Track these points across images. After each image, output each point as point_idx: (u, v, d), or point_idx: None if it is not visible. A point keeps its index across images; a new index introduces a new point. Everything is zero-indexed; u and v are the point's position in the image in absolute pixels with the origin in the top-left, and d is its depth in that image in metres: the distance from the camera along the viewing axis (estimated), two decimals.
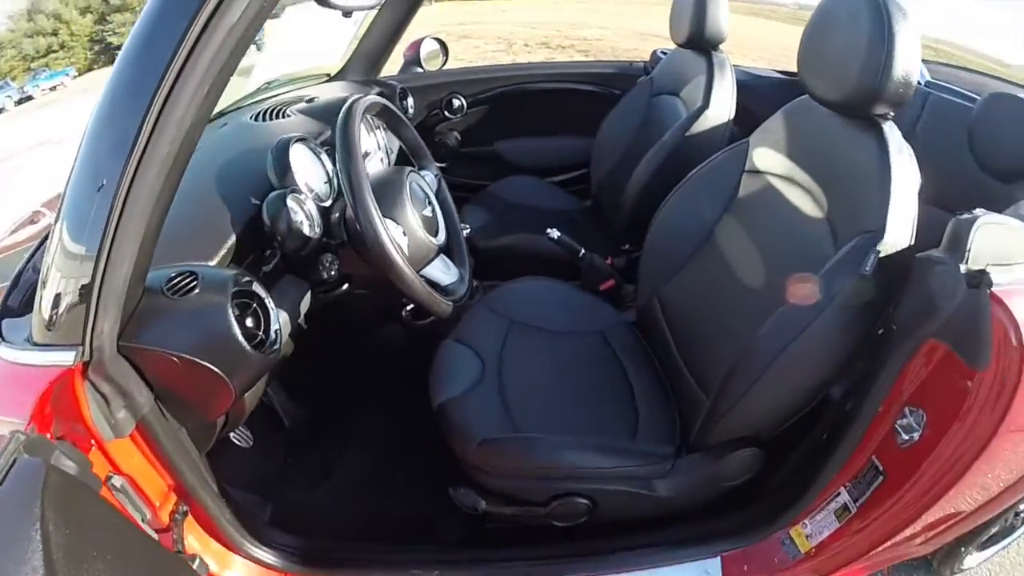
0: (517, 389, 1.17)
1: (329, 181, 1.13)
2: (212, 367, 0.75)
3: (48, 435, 0.65)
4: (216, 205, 0.94)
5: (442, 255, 1.15)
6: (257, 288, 0.84)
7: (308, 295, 1.02)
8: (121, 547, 0.65)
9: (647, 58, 2.18)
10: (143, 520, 0.77)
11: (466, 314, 1.31)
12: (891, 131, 0.90)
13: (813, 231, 0.96)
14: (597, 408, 1.16)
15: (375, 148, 1.45)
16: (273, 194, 0.94)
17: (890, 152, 0.86)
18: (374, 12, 1.78)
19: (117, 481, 0.74)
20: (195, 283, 0.76)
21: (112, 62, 0.68)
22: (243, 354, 0.78)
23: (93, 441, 0.71)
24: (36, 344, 0.71)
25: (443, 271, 1.14)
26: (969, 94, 1.52)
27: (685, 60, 1.70)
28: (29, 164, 8.73)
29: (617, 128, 1.90)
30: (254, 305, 0.83)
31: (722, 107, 1.54)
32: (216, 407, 0.83)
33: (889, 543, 0.97)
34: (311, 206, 0.98)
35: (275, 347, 0.84)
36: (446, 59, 2.17)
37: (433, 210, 1.12)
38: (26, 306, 0.84)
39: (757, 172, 1.14)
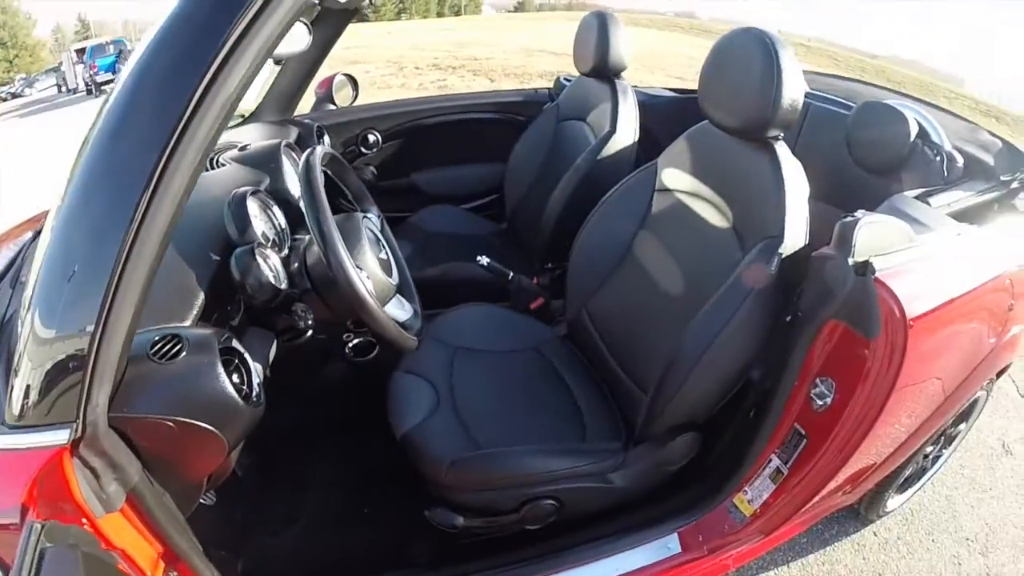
0: (472, 410, 1.25)
1: (281, 231, 1.16)
2: (207, 426, 0.76)
3: (39, 512, 0.63)
4: (179, 264, 0.94)
5: (397, 294, 1.20)
6: (236, 344, 0.86)
7: (274, 345, 1.04)
8: None
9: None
10: None
11: (426, 339, 1.36)
12: (782, 149, 1.06)
13: (722, 239, 1.12)
14: (546, 417, 1.27)
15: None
16: (241, 250, 0.96)
17: (782, 168, 1.03)
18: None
19: (109, 556, 0.71)
20: (181, 346, 0.77)
21: None
22: (236, 409, 0.79)
23: (84, 520, 0.68)
24: (16, 427, 0.67)
25: (400, 308, 1.19)
26: (843, 101, 1.76)
27: (590, 87, 1.84)
28: None
29: (528, 153, 2.03)
30: (236, 361, 0.85)
31: (628, 130, 1.69)
32: (207, 465, 0.83)
33: (819, 496, 1.14)
34: (275, 259, 1.01)
35: (260, 399, 0.86)
36: (356, 94, 2.22)
37: (386, 252, 1.18)
38: None
39: (667, 190, 1.29)
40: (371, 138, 2.12)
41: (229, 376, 0.80)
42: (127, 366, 0.71)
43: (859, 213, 0.97)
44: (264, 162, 1.34)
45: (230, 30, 0.59)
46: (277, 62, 1.57)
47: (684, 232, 1.22)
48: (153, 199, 0.61)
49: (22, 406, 0.67)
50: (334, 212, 1.27)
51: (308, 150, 1.05)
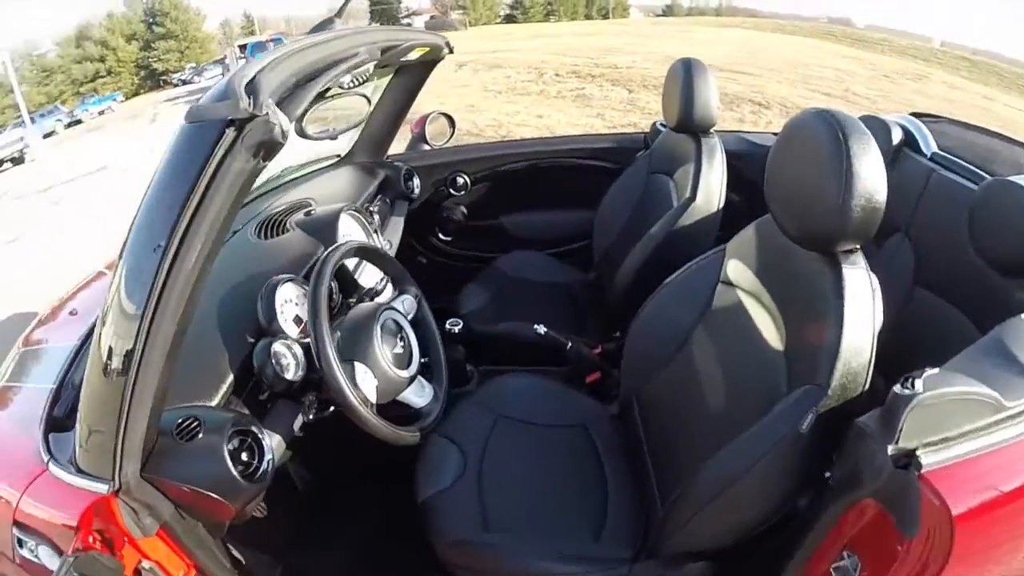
0: (495, 485, 1.22)
1: None
2: (214, 495, 0.88)
3: (91, 538, 0.84)
4: (216, 344, 1.04)
5: (419, 378, 1.21)
6: (252, 426, 0.95)
7: (300, 416, 1.09)
8: None
9: None
10: None
11: (455, 407, 1.36)
12: (854, 273, 0.88)
13: (772, 363, 0.97)
14: (570, 505, 1.21)
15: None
16: (261, 344, 1.04)
17: (845, 299, 0.85)
18: (378, 94, 1.86)
19: (146, 564, 0.89)
20: (198, 427, 0.89)
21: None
22: (237, 487, 0.89)
23: (126, 538, 0.86)
24: (79, 471, 0.87)
25: (417, 394, 1.20)
26: (975, 170, 1.48)
27: (677, 143, 1.72)
28: (70, 196, 9.12)
29: (617, 203, 1.93)
30: (249, 440, 0.94)
31: (710, 198, 1.55)
32: (221, 517, 0.95)
33: None
34: (297, 348, 1.06)
35: (267, 474, 0.96)
36: (452, 132, 2.23)
37: (407, 343, 1.19)
38: (69, 417, 0.99)
39: (731, 284, 1.15)
40: (460, 180, 2.15)
41: (239, 454, 0.91)
42: (158, 437, 0.86)
43: (927, 375, 0.76)
44: (322, 230, 1.39)
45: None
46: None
47: (738, 341, 1.09)
48: (160, 302, 0.72)
49: (78, 458, 0.88)
50: (370, 297, 1.30)
51: (329, 250, 1.11)
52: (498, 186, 2.22)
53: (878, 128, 1.28)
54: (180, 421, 0.89)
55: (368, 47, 1.05)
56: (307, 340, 1.07)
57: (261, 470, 0.94)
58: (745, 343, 1.06)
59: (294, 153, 1.92)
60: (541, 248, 2.20)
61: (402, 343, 1.17)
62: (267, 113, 0.64)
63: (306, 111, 0.90)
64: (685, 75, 1.61)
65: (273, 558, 1.31)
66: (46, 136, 18.25)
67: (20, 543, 0.95)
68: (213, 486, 0.87)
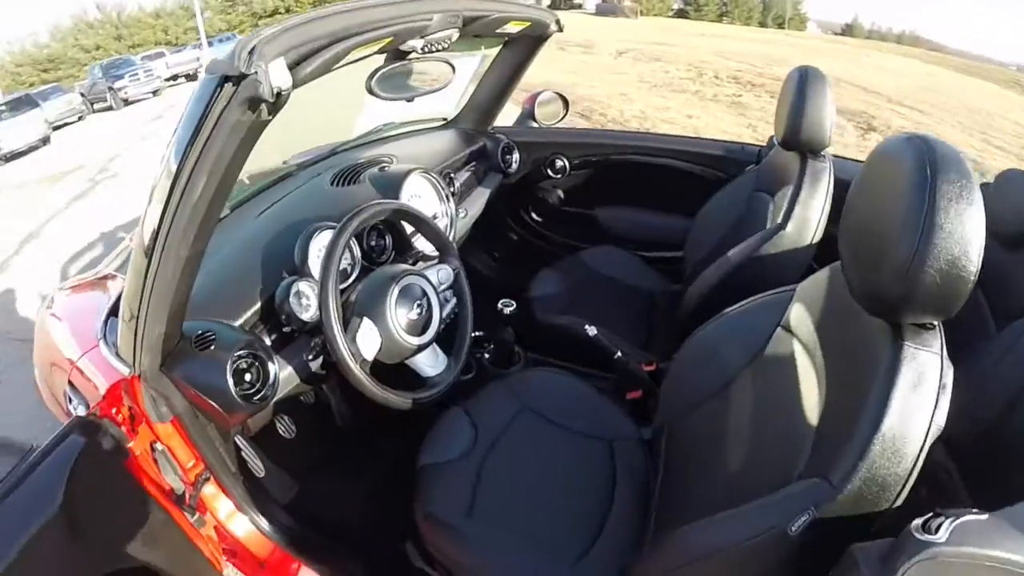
0: (496, 474, 1.18)
1: (353, 263, 1.26)
2: (212, 403, 0.97)
3: (114, 411, 1.01)
4: (255, 273, 1.14)
5: (434, 346, 1.22)
6: (262, 352, 1.02)
7: (316, 353, 1.15)
8: (132, 508, 1.00)
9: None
10: (175, 473, 1.04)
11: (486, 387, 1.35)
12: (918, 355, 0.68)
13: (801, 436, 0.83)
14: (560, 520, 1.13)
15: (442, 214, 1.57)
16: (286, 281, 1.12)
17: (897, 385, 0.67)
18: (485, 64, 1.87)
19: (159, 447, 1.01)
20: (213, 340, 0.98)
21: None
22: (232, 402, 0.97)
23: (145, 419, 0.99)
24: (116, 353, 1.04)
25: (429, 363, 1.21)
26: None
27: (784, 161, 1.55)
28: None
29: (715, 217, 1.79)
30: (256, 364, 1.01)
31: (804, 228, 1.38)
32: (222, 426, 1.06)
33: None
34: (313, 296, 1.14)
35: (266, 399, 1.02)
36: (565, 114, 2.19)
37: (425, 310, 1.20)
38: None
39: (790, 331, 1.01)
40: (559, 163, 2.12)
41: (244, 374, 0.99)
42: (180, 341, 0.97)
43: (951, 527, 0.57)
44: (388, 186, 1.43)
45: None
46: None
47: (778, 398, 0.95)
48: (172, 224, 0.81)
49: (117, 341, 1.04)
50: (423, 261, 1.33)
51: (363, 207, 1.15)
52: (596, 175, 2.15)
53: None
54: (200, 331, 0.99)
55: (445, 15, 1.05)
56: (341, 286, 1.13)
57: (261, 394, 1.01)
58: (783, 403, 0.92)
59: (397, 110, 1.99)
60: (634, 248, 2.08)
61: (419, 310, 1.18)
62: (256, 72, 0.68)
63: (324, 71, 0.87)
64: (798, 85, 1.44)
65: (292, 479, 1.37)
66: None
67: (69, 400, 1.11)
68: (212, 395, 0.96)
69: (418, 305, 1.18)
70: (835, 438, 0.73)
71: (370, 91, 1.10)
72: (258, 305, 1.10)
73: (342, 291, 1.18)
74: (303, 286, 1.11)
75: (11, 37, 39.94)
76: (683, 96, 10.30)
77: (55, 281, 3.73)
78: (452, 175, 1.74)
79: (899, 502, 0.67)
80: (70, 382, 1.14)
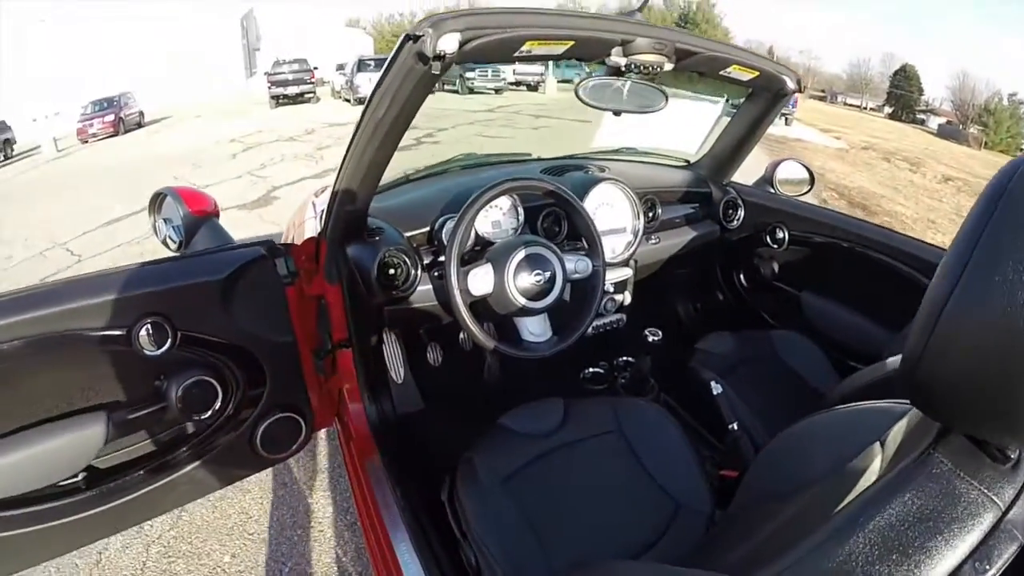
0: (549, 467, 1.18)
1: (517, 227, 1.44)
2: (360, 280, 1.23)
3: (304, 256, 1.29)
4: (436, 207, 1.39)
5: (545, 318, 1.30)
6: (409, 255, 1.25)
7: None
8: (272, 317, 1.22)
9: None
10: (326, 330, 1.35)
11: (595, 399, 1.36)
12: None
13: None
14: (580, 539, 1.09)
15: (630, 229, 1.66)
16: (443, 218, 1.37)
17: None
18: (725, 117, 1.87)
19: (322, 301, 1.32)
20: (380, 234, 1.24)
21: None
22: (371, 285, 1.21)
23: (321, 273, 1.30)
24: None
25: (531, 329, 1.29)
26: None
27: None
28: None
29: None
30: (403, 265, 1.23)
31: None
32: (364, 303, 1.28)
33: None
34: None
35: (398, 290, 1.25)
36: (808, 190, 2.05)
37: (547, 284, 1.27)
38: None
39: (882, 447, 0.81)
40: (779, 233, 1.96)
41: (388, 268, 1.22)
42: (363, 229, 1.27)
43: None
44: (580, 185, 1.57)
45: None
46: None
47: None
48: (357, 134, 1.11)
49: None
50: (561, 247, 1.40)
51: (522, 175, 1.32)
52: (813, 255, 1.93)
53: None
54: (375, 227, 1.27)
55: (652, 40, 1.10)
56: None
57: (398, 290, 1.24)
58: None
59: (640, 137, 2.09)
60: (830, 349, 1.80)
61: (539, 279, 1.25)
62: (423, 36, 0.88)
63: (496, 53, 1.00)
64: None
65: (419, 394, 1.57)
66: None
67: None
68: (360, 272, 1.22)
69: (538, 275, 1.25)
70: None
71: (576, 94, 1.20)
72: (426, 229, 1.37)
73: (492, 242, 1.34)
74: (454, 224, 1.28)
75: (394, 11, 53.75)
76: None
77: None
78: (655, 200, 1.76)
79: None
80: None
